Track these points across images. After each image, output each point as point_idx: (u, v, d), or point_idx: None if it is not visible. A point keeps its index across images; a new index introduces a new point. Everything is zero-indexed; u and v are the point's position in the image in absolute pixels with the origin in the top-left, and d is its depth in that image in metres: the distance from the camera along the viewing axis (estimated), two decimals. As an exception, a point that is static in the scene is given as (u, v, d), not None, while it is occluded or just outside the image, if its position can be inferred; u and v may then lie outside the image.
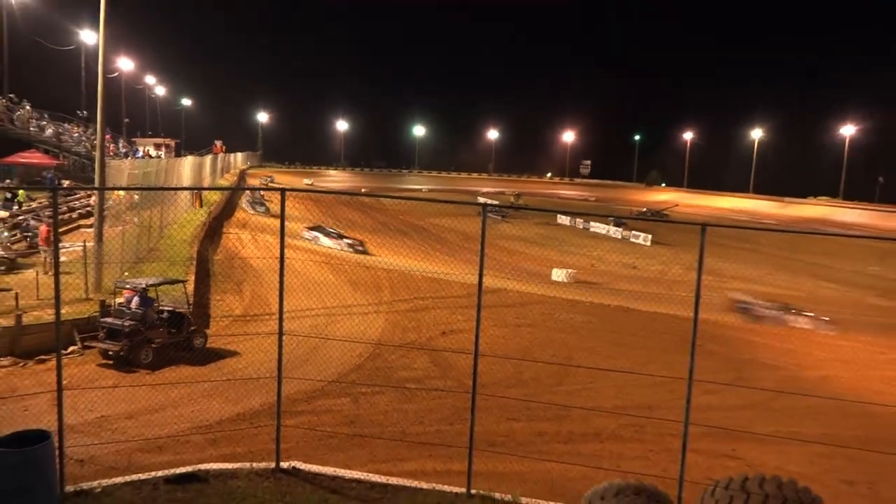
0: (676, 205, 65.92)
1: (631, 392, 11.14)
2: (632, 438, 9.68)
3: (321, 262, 21.22)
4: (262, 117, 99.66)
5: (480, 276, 5.97)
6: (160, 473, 5.71)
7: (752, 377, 12.63)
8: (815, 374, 13.13)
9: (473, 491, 5.62)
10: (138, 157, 39.41)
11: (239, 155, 72.65)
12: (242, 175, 60.44)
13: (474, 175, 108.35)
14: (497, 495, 5.44)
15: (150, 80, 68.72)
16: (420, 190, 79.07)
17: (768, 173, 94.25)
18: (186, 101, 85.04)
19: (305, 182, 68.63)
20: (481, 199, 62.33)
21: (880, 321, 22.37)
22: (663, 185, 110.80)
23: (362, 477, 6.12)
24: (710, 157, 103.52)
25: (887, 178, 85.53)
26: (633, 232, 43.62)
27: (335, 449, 8.32)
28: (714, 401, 10.87)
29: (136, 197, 19.95)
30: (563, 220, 50.08)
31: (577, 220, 49.54)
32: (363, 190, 66.61)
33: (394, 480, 6.07)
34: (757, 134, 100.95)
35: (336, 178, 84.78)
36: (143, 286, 12.40)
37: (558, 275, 26.06)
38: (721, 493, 4.73)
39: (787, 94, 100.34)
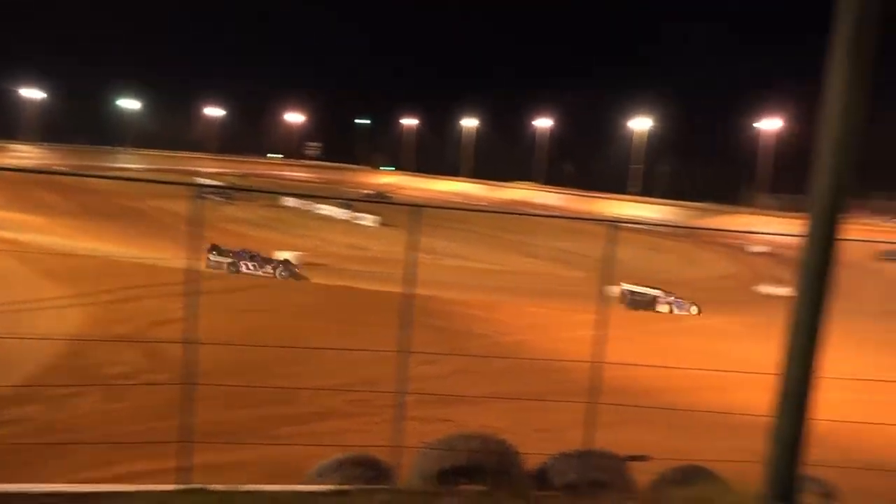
0: (401, 188, 68.89)
1: (357, 369, 11.44)
2: (358, 413, 9.97)
3: (5, 250, 18.30)
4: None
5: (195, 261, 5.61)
6: None
7: (465, 346, 13.77)
8: (514, 339, 14.73)
9: (187, 486, 5.30)
10: None
11: None
12: None
13: (197, 155, 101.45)
14: (214, 487, 5.20)
15: None
16: (132, 170, 72.10)
17: (482, 159, 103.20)
18: None
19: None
20: (201, 181, 58.79)
21: (571, 290, 25.92)
22: (392, 168, 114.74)
23: (59, 489, 5.42)
24: (433, 142, 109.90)
25: (575, 166, 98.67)
26: (361, 214, 44.61)
27: (28, 463, 7.28)
28: (432, 370, 11.63)
29: None
30: (291, 202, 49.37)
31: (305, 202, 49.21)
32: (62, 168, 58.77)
33: (99, 487, 5.47)
34: (471, 123, 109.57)
35: (27, 154, 73.49)
36: None
37: (284, 257, 25.77)
38: (432, 453, 5.10)
39: (498, 86, 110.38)
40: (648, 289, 23.69)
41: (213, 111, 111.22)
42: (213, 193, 43.06)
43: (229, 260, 22.04)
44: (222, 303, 15.50)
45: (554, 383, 11.50)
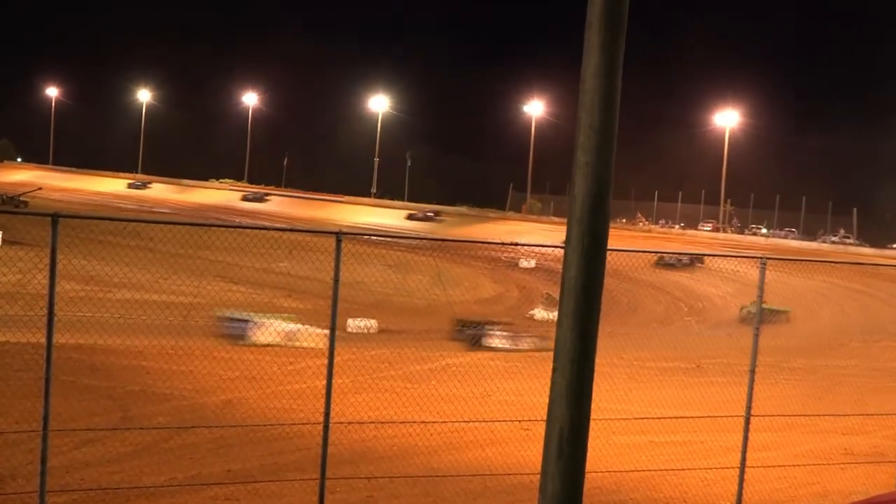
0: (40, 188, 64.23)
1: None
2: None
3: None
4: None
5: None
6: None
7: (144, 413, 13.18)
8: (218, 400, 14.43)
9: None
10: None
11: None
12: None
13: None
14: None
15: None
16: None
17: (163, 149, 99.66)
18: None
19: None
20: None
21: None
22: (18, 160, 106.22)
23: None
24: (87, 124, 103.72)
25: (293, 159, 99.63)
26: (-25, 228, 40.63)
27: None
28: (93, 454, 10.96)
29: None
30: None
31: None
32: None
33: None
34: (144, 97, 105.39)
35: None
36: None
37: None
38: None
39: (183, 53, 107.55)
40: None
41: None
42: None
43: None
44: None
45: (276, 455, 11.47)
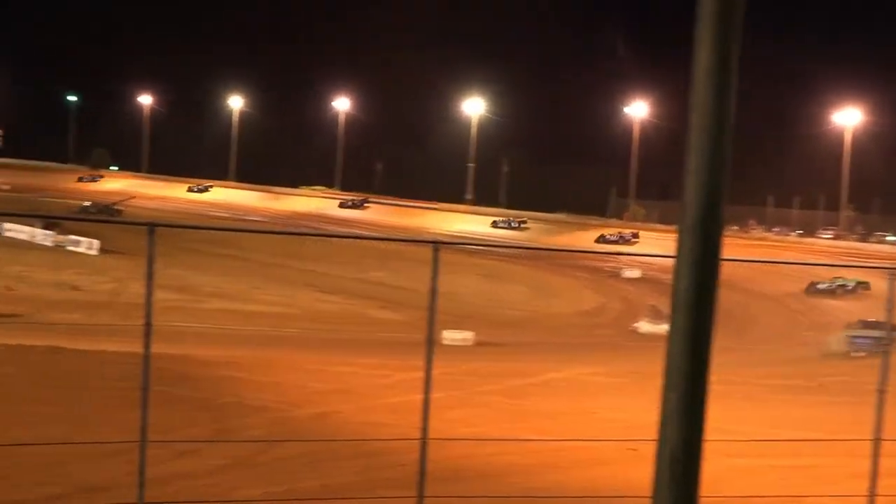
0: (133, 197, 66.58)
1: (71, 471, 10.83)
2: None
3: None
4: None
5: None
6: None
7: (238, 425, 13.50)
8: (310, 413, 14.71)
9: None
10: None
11: None
12: None
13: None
14: None
15: None
16: None
17: (254, 156, 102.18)
18: None
19: None
20: None
21: (385, 337, 26.36)
22: (114, 168, 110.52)
23: None
24: (179, 132, 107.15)
25: (385, 165, 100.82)
26: (73, 237, 42.60)
27: None
28: (189, 465, 11.27)
29: None
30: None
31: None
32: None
33: None
34: (236, 103, 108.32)
35: None
36: None
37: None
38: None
39: (274, 59, 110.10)
40: None
41: None
42: None
43: None
44: None
45: (371, 471, 11.59)
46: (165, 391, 14.34)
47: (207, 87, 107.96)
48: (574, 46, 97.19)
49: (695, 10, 3.49)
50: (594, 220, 79.40)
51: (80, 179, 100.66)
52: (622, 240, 72.85)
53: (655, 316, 31.96)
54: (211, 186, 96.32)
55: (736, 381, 18.40)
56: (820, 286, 42.20)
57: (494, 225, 78.50)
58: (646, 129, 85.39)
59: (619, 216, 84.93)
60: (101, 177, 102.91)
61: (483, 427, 13.10)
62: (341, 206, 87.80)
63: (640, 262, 49.70)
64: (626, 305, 39.56)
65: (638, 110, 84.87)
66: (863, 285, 40.04)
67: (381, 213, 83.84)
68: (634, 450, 11.79)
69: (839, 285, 41.54)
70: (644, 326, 31.90)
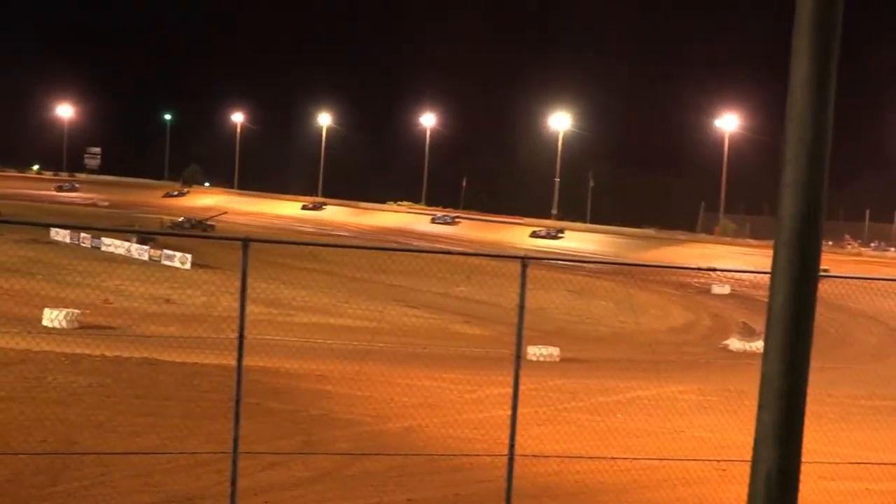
0: (225, 212, 68.15)
1: (163, 481, 11.09)
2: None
3: None
4: None
5: None
6: None
7: (325, 438, 13.67)
8: (397, 426, 14.78)
9: None
10: None
11: None
12: None
13: None
14: None
15: None
16: None
17: (341, 171, 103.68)
18: None
19: None
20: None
21: (470, 352, 26.35)
22: (206, 184, 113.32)
23: None
24: (268, 148, 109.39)
25: (471, 181, 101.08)
26: (167, 251, 43.66)
27: None
28: (277, 477, 11.45)
29: None
30: (60, 235, 47.58)
31: (83, 235, 47.61)
32: None
33: None
34: (325, 120, 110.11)
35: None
36: None
37: (54, 317, 25.01)
38: None
39: (361, 76, 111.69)
40: None
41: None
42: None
43: None
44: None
45: (457, 486, 11.60)
46: (255, 403, 14.63)
47: (296, 104, 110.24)
48: (662, 57, 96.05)
49: (792, 20, 3.44)
50: (682, 236, 78.20)
51: (166, 195, 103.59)
52: (549, 235, 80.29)
53: (747, 333, 31.29)
54: (325, 204, 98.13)
55: (829, 401, 17.88)
56: None
57: (433, 221, 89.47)
58: (737, 141, 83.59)
59: (708, 231, 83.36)
60: (187, 192, 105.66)
61: (570, 444, 12.97)
62: (434, 221, 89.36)
63: (731, 278, 48.71)
64: (716, 322, 38.76)
65: (728, 122, 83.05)
66: None
67: (467, 229, 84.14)
68: (724, 470, 11.55)
69: None
70: (735, 343, 31.20)
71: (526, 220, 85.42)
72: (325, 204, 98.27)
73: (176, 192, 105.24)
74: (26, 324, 24.20)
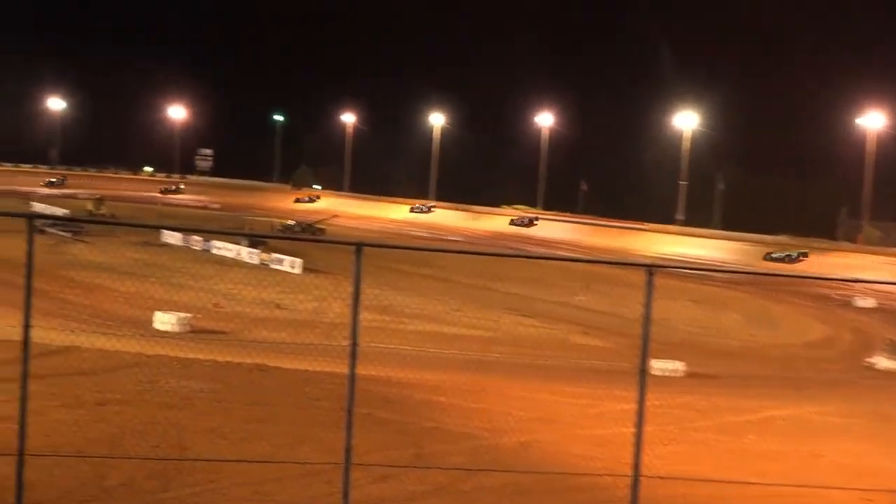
0: (336, 216, 69.31)
1: (273, 490, 11.31)
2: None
3: None
4: None
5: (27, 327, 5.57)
6: None
7: (438, 451, 13.68)
8: (514, 441, 14.70)
9: None
10: None
11: None
12: None
13: (27, 167, 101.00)
14: None
15: None
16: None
17: (455, 174, 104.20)
18: None
19: None
20: (37, 206, 58.50)
21: (587, 365, 26.07)
22: (316, 186, 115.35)
23: None
24: (379, 149, 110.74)
25: (590, 184, 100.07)
26: (276, 255, 44.60)
27: None
28: (389, 490, 11.51)
29: None
30: (173, 238, 49.25)
31: (194, 238, 49.16)
32: None
33: None
34: (437, 121, 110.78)
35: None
36: None
37: (165, 321, 25.83)
38: None
39: (476, 75, 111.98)
40: None
41: (55, 104, 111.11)
42: (54, 225, 42.78)
43: None
44: (68, 391, 15.25)
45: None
46: (367, 413, 14.77)
47: (408, 106, 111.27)
48: (796, 52, 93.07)
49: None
50: (821, 244, 75.34)
51: (296, 201, 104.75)
52: (522, 223, 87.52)
53: (895, 351, 30.14)
54: (434, 207, 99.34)
55: None
56: None
57: (412, 210, 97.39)
58: (882, 141, 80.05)
59: (851, 239, 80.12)
60: (318, 198, 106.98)
61: (697, 466, 12.67)
62: (511, 223, 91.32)
63: (876, 291, 46.89)
64: (859, 338, 37.35)
65: (873, 121, 79.44)
66: None
67: (585, 234, 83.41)
68: (870, 500, 11.09)
69: None
70: (882, 362, 30.00)
71: (649, 225, 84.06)
72: (434, 207, 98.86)
73: (307, 199, 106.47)
74: (139, 326, 25.17)
